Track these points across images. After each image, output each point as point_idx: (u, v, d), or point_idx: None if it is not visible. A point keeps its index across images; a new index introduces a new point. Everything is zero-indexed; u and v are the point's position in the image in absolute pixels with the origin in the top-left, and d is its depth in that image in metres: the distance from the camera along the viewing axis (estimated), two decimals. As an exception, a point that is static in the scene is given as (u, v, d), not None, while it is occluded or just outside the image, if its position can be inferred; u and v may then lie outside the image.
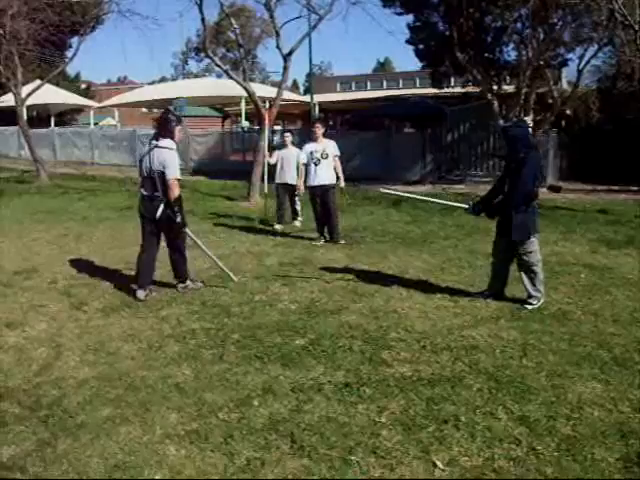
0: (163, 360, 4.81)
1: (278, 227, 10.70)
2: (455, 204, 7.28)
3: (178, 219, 6.28)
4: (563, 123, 19.24)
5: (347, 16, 28.81)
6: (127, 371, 4.61)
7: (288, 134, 11.74)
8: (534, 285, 6.06)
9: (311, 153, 9.35)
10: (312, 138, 9.54)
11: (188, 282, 6.71)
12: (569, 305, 6.11)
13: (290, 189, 10.77)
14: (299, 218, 11.20)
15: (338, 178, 9.43)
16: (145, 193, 6.39)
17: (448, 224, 10.95)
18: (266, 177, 11.92)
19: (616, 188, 16.43)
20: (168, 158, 6.21)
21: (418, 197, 7.97)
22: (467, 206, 6.38)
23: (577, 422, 3.75)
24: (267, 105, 12.70)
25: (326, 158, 9.29)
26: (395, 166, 18.91)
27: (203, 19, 15.04)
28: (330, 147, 9.45)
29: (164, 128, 6.36)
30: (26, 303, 6.32)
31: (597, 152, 17.44)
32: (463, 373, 4.49)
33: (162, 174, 6.20)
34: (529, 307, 5.98)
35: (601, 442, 3.52)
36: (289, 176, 10.78)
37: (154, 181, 6.24)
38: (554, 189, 16.60)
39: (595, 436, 3.58)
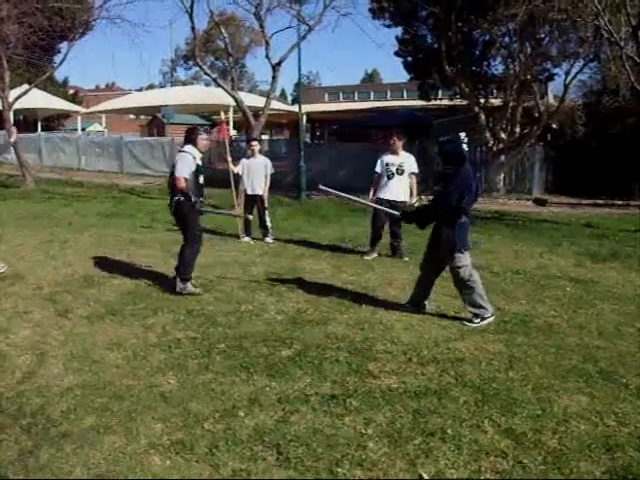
0: (148, 369, 4.77)
1: (244, 240, 10.38)
2: (389, 210, 7.23)
3: (193, 199, 6.83)
4: (549, 137, 19.39)
5: (336, 27, 28.93)
6: (112, 380, 4.56)
7: (255, 142, 11.13)
8: (473, 303, 5.95)
9: (387, 165, 8.92)
10: (390, 149, 9.01)
11: (189, 284, 6.89)
12: (555, 318, 6.14)
13: (258, 200, 10.46)
14: (270, 234, 10.45)
15: (411, 195, 9.01)
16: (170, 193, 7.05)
17: (434, 236, 10.95)
18: (233, 187, 10.87)
19: (601, 202, 16.59)
20: (179, 158, 6.91)
21: (354, 199, 7.71)
22: (398, 213, 6.35)
23: (563, 435, 3.76)
24: (222, 116, 12.07)
25: (401, 174, 8.90)
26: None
27: (193, 27, 15.10)
28: (408, 162, 8.98)
29: (187, 136, 7.07)
30: (10, 309, 6.25)
31: (582, 166, 17.59)
32: (449, 385, 4.49)
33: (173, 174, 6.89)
34: (471, 325, 5.88)
35: (587, 455, 3.53)
36: (257, 186, 10.43)
37: (172, 180, 6.91)
38: (539, 202, 16.73)
39: (581, 449, 3.59)
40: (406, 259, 8.82)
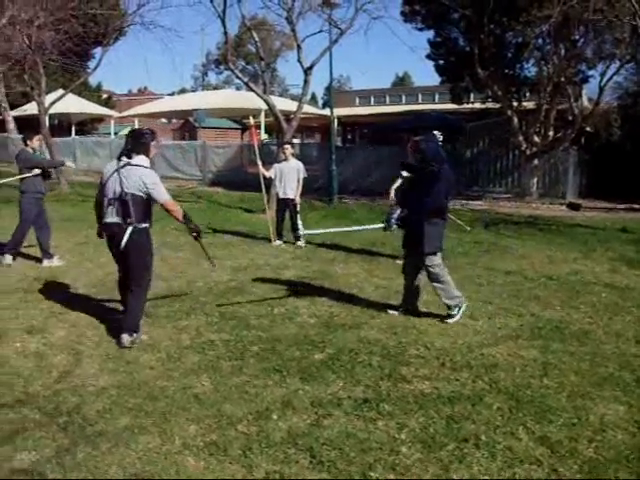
0: (182, 371, 4.82)
1: (276, 243, 10.43)
2: (372, 226, 7.10)
3: (195, 229, 5.74)
4: (583, 140, 19.11)
5: (368, 31, 28.89)
6: (146, 380, 4.62)
7: (288, 146, 11.16)
8: (449, 296, 6.07)
9: None
10: (408, 153, 8.98)
11: (137, 334, 5.51)
12: (590, 325, 6.06)
13: (290, 204, 10.49)
14: (302, 238, 10.37)
15: None
16: (109, 220, 5.45)
17: (465, 240, 10.91)
18: (264, 191, 11.14)
19: (637, 206, 16.30)
20: (149, 180, 5.36)
21: (333, 230, 8.27)
22: (383, 225, 6.25)
23: (599, 444, 3.70)
24: (251, 120, 11.98)
25: None
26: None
27: (226, 32, 15.19)
28: None
29: (137, 143, 5.47)
30: (46, 309, 6.36)
31: (617, 170, 17.28)
32: (483, 391, 4.45)
33: (138, 197, 5.34)
34: (452, 320, 6.02)
35: (625, 466, 3.47)
36: (289, 190, 10.46)
37: (125, 205, 5.33)
38: (573, 207, 16.50)
39: (618, 459, 3.53)
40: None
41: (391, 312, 6.33)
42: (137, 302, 5.58)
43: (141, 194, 5.34)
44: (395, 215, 6.09)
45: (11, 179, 9.66)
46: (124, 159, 5.42)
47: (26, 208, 8.54)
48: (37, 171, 8.48)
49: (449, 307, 6.10)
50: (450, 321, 6.02)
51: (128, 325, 5.46)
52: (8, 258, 8.52)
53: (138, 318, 5.57)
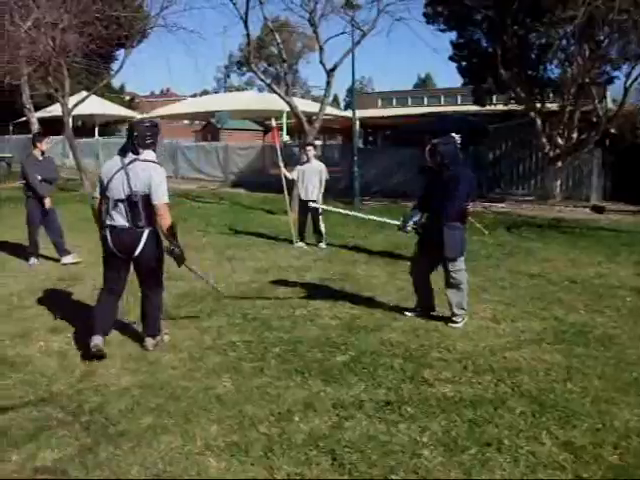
0: (204, 371, 4.84)
1: (298, 245, 10.44)
2: (390, 220, 7.13)
3: (177, 251, 5.08)
4: (607, 142, 18.88)
5: (390, 32, 28.93)
6: (168, 381, 4.64)
7: (310, 147, 11.03)
8: (461, 305, 6.05)
9: None
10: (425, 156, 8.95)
11: (159, 336, 5.44)
12: (614, 329, 5.98)
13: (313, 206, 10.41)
14: (323, 240, 10.46)
15: None
16: (117, 223, 5.01)
17: (489, 242, 10.84)
18: (285, 192, 11.13)
19: (663, 209, 16.08)
20: (157, 176, 4.93)
21: (346, 212, 7.93)
22: (399, 224, 6.23)
23: (624, 451, 3.65)
24: (273, 122, 12.03)
25: None
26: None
27: (248, 34, 15.25)
28: None
29: (145, 136, 4.98)
30: (69, 309, 6.42)
31: (643, 172, 17.07)
32: (506, 395, 4.42)
33: (146, 196, 4.92)
34: (455, 325, 6.00)
35: (650, 472, 3.43)
36: (312, 192, 10.44)
37: (134, 206, 4.93)
38: (597, 209, 16.32)
39: (644, 466, 3.49)
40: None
41: (408, 314, 6.33)
42: (155, 305, 5.38)
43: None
44: (415, 219, 6.09)
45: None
46: (130, 155, 4.95)
47: (30, 211, 8.78)
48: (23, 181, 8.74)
49: (454, 314, 6.06)
50: (454, 325, 6.01)
51: (150, 329, 5.33)
52: (31, 260, 8.79)
53: (159, 320, 5.42)
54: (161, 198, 4.92)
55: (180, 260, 5.17)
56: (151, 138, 4.99)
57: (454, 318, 6.04)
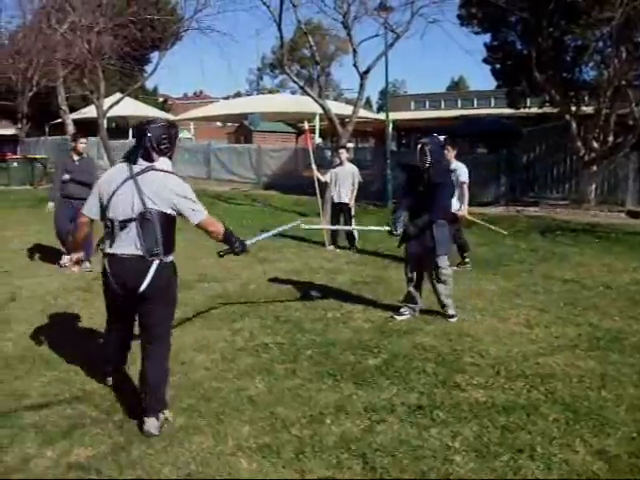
0: (236, 372, 4.88)
1: (329, 248, 10.44)
2: (376, 228, 7.32)
3: (237, 244, 4.35)
4: (644, 146, 18.58)
5: (424, 35, 28.77)
6: (200, 381, 4.69)
7: (343, 150, 11.07)
8: (449, 295, 6.31)
9: None
10: None
11: (166, 412, 4.08)
12: (651, 336, 5.89)
13: (345, 209, 10.46)
14: (355, 244, 10.35)
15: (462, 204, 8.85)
16: (120, 251, 3.89)
17: (521, 247, 10.76)
18: (318, 194, 11.11)
19: (701, 214, 15.76)
20: (188, 194, 3.94)
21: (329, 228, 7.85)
22: (389, 228, 6.21)
23: (661, 461, 3.60)
24: (306, 125, 12.03)
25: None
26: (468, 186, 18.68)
27: (281, 37, 15.33)
28: (458, 172, 8.52)
29: (160, 139, 3.92)
30: (103, 309, 6.49)
31: (681, 176, 16.77)
32: (539, 402, 4.38)
33: (167, 217, 3.90)
34: (453, 320, 6.24)
35: (687, 482, 3.38)
36: (344, 194, 10.41)
37: (149, 228, 3.83)
38: (633, 214, 16.05)
39: (681, 476, 3.44)
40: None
41: (401, 316, 6.39)
42: (160, 368, 4.05)
43: (172, 212, 3.91)
44: (401, 219, 6.18)
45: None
46: (141, 161, 3.92)
47: (56, 212, 8.63)
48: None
49: (444, 306, 6.30)
50: (453, 320, 6.23)
51: (153, 405, 3.96)
52: (64, 258, 8.59)
53: (164, 390, 4.08)
54: (202, 213, 4.00)
55: (241, 249, 4.41)
56: (167, 142, 3.94)
57: (447, 310, 6.30)
